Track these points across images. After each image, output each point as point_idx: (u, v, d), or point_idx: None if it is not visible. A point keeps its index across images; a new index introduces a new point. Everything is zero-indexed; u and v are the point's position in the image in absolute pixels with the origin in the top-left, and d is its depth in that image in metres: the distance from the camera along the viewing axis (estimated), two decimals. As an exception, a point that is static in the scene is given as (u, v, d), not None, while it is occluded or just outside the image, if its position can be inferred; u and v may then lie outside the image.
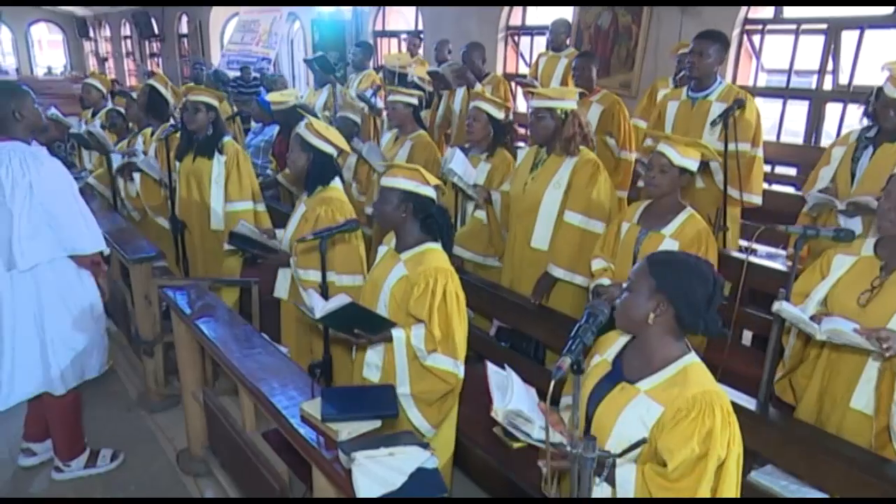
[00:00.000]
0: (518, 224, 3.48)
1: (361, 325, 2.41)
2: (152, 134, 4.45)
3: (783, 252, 3.56)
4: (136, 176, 4.32)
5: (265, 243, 3.12)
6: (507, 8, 7.95)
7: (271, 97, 4.96)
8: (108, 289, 3.15)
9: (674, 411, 1.69)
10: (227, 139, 3.97)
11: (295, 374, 2.45)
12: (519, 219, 3.47)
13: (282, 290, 3.27)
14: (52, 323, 2.91)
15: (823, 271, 2.41)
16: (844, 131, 4.10)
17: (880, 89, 2.92)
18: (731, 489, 1.71)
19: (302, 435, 2.09)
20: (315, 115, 4.44)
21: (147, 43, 16.30)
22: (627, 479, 1.71)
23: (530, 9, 7.90)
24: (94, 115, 5.50)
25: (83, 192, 4.85)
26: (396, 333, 2.41)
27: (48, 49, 21.89)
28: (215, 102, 3.89)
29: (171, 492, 3.13)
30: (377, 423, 2.09)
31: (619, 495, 1.73)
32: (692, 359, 1.79)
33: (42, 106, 3.32)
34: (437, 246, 2.51)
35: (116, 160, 4.45)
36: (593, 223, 3.26)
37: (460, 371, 2.47)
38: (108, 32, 18.57)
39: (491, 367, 1.93)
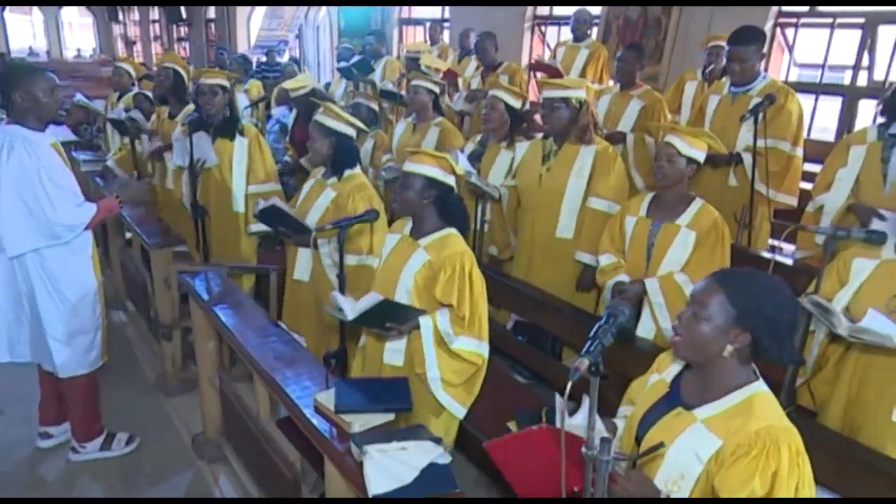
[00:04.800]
0: (535, 216, 3.47)
1: (393, 318, 2.41)
2: (171, 116, 4.45)
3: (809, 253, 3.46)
4: (170, 165, 4.31)
5: (299, 220, 3.08)
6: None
7: (288, 84, 4.95)
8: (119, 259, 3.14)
9: (734, 447, 1.52)
10: (245, 122, 3.96)
11: (309, 364, 2.44)
12: (536, 211, 3.45)
13: (303, 271, 3.26)
14: (46, 311, 2.91)
15: (842, 275, 2.33)
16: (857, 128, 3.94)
17: None
18: None
19: (315, 426, 2.08)
20: (332, 101, 4.42)
21: (175, 27, 16.41)
22: None
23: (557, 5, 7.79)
24: (119, 98, 5.53)
25: (103, 175, 4.94)
26: (423, 321, 2.42)
27: (78, 32, 22.12)
28: (228, 84, 3.88)
29: (184, 475, 3.16)
30: (391, 416, 2.08)
31: None
32: (759, 387, 1.59)
33: (69, 90, 3.33)
34: (455, 231, 2.51)
35: (146, 144, 4.47)
36: (615, 207, 3.25)
37: (486, 351, 2.50)
38: (136, 16, 18.73)
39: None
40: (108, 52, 19.41)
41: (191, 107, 4.28)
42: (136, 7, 18.33)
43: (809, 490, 1.53)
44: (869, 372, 2.27)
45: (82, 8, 20.35)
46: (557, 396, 1.74)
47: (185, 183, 3.91)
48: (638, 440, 1.72)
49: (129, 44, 19.14)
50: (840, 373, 2.37)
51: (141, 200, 3.46)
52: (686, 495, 1.59)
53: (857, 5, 5.27)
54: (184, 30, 16.19)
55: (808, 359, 2.46)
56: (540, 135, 3.56)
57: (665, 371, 1.79)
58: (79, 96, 5.56)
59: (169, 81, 4.42)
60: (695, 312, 1.57)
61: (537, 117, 3.76)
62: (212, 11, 14.85)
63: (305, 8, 11.66)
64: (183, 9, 15.56)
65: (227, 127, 3.84)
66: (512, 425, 2.82)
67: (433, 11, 9.78)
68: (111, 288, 4.70)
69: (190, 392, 3.71)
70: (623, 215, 2.99)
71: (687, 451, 1.58)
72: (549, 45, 7.98)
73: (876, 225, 2.65)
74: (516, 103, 3.72)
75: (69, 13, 20.89)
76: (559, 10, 7.78)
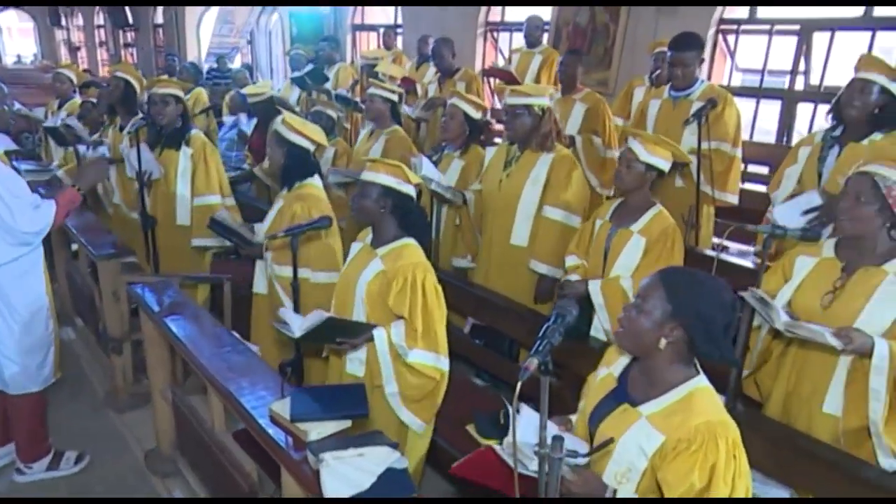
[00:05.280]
0: (494, 222, 3.49)
1: (342, 334, 2.40)
2: (121, 128, 4.35)
3: (752, 249, 3.60)
4: (113, 177, 4.21)
5: (242, 233, 3.09)
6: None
7: (247, 90, 4.89)
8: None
9: (675, 442, 1.58)
10: (194, 132, 3.90)
11: (265, 374, 2.42)
12: (495, 216, 3.47)
13: (260, 285, 3.24)
14: None
15: (787, 272, 2.43)
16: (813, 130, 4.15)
17: (848, 85, 2.95)
18: None
19: (270, 435, 2.06)
20: (292, 110, 4.38)
21: (121, 33, 15.98)
22: None
23: (509, 5, 7.89)
24: (60, 106, 5.36)
25: (51, 185, 4.78)
26: (377, 333, 2.40)
27: (18, 37, 21.35)
28: (182, 94, 3.82)
29: (138, 492, 3.08)
30: (347, 423, 2.07)
31: None
32: (699, 382, 1.65)
33: (8, 98, 3.24)
34: (413, 242, 2.50)
35: (83, 152, 4.35)
36: (573, 218, 3.29)
37: (443, 365, 2.48)
38: (80, 21, 18.16)
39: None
40: (51, 57, 18.76)
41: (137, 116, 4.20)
42: (79, 11, 17.78)
43: (745, 479, 1.59)
44: (805, 367, 2.36)
45: (22, 13, 19.63)
46: (506, 402, 1.79)
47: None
48: (591, 434, 1.77)
49: (73, 50, 18.53)
50: (781, 367, 2.46)
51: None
52: (633, 488, 1.65)
53: (795, 4, 5.49)
54: (130, 35, 15.78)
55: (753, 352, 2.56)
56: (499, 141, 3.59)
57: (613, 365, 1.85)
58: (17, 105, 5.37)
59: (119, 92, 4.30)
60: (637, 305, 1.64)
61: (497, 125, 3.81)
62: (160, 16, 14.52)
63: (257, 13, 11.52)
64: (129, 13, 15.17)
65: (174, 137, 3.77)
66: (470, 429, 2.85)
67: (387, 17, 9.80)
68: (57, 302, 4.54)
69: (142, 407, 3.62)
70: (595, 218, 3.03)
71: (633, 445, 1.65)
72: (501, 52, 8.08)
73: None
74: (476, 114, 3.74)
75: (8, 17, 20.14)
76: (511, 17, 7.89)
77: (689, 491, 1.55)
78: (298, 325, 2.34)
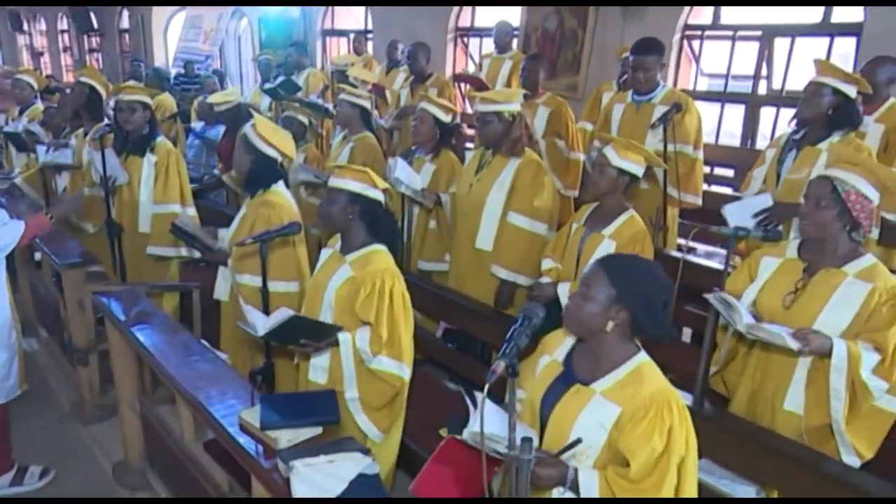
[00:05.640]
0: (463, 225, 3.51)
1: (307, 335, 2.38)
2: (85, 133, 4.28)
3: (722, 251, 3.67)
4: (64, 179, 4.14)
5: (203, 239, 3.06)
6: (456, 9, 7.97)
7: (213, 98, 4.82)
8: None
9: (632, 411, 1.68)
10: (160, 139, 3.86)
11: (234, 382, 2.39)
12: (464, 220, 3.50)
13: (222, 291, 3.19)
14: None
15: (752, 273, 2.49)
16: (777, 134, 4.26)
17: (804, 89, 3.05)
18: (692, 486, 1.73)
19: (240, 444, 2.04)
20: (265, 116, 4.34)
21: (86, 38, 15.68)
22: (591, 486, 1.70)
23: (479, 10, 7.94)
24: (21, 112, 5.25)
25: (10, 193, 4.67)
26: (342, 337, 2.40)
27: (-22, 42, 20.79)
28: (150, 101, 3.77)
29: (106, 506, 3.03)
30: (318, 430, 2.06)
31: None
32: (643, 357, 1.79)
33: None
34: (383, 248, 2.49)
35: (41, 153, 4.25)
36: (538, 225, 3.29)
37: (405, 374, 2.47)
38: (43, 26, 17.78)
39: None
40: (13, 63, 18.32)
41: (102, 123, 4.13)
42: (42, 16, 17.40)
43: (694, 439, 1.73)
44: (768, 366, 2.42)
45: (-18, 18, 19.15)
46: (469, 402, 1.85)
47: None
48: (542, 420, 1.83)
49: (36, 55, 18.13)
50: (746, 365, 2.52)
51: (73, 213, 3.35)
52: (591, 463, 1.74)
53: (757, 5, 5.61)
54: (95, 40, 15.49)
55: (721, 350, 2.61)
56: (471, 146, 3.61)
57: (555, 352, 1.91)
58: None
59: (83, 97, 4.21)
60: (582, 292, 1.74)
61: (469, 130, 3.82)
62: (125, 21, 14.29)
63: (227, 18, 11.40)
64: (94, 18, 14.90)
65: (139, 144, 3.73)
66: (444, 432, 2.85)
67: (357, 22, 9.78)
68: (20, 312, 4.44)
69: (109, 419, 3.55)
70: (571, 222, 3.05)
71: (592, 422, 1.73)
72: (472, 57, 8.13)
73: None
74: (446, 117, 3.74)
75: (-33, 23, 19.61)
76: (481, 22, 7.94)
77: (651, 454, 1.65)
78: (262, 324, 2.32)
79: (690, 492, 1.72)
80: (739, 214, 2.96)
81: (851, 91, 2.94)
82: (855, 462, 2.27)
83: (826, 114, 2.96)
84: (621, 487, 1.67)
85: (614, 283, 1.70)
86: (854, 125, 3.00)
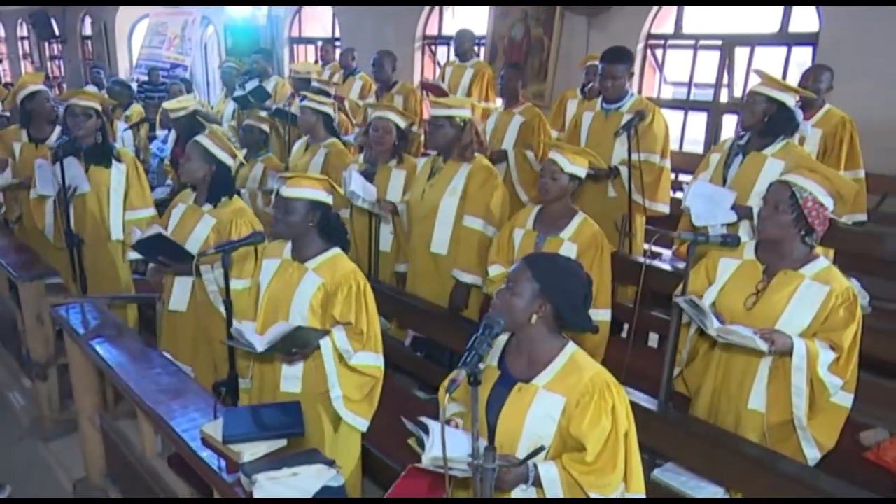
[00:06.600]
0: (417, 230, 3.54)
1: (299, 343, 2.39)
2: (30, 138, 4.16)
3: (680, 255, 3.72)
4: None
5: (183, 248, 2.95)
6: (423, 17, 8.00)
7: (168, 105, 4.76)
8: None
9: (577, 397, 1.77)
10: (119, 147, 3.83)
11: (197, 395, 2.36)
12: (418, 225, 3.53)
13: (180, 302, 3.13)
14: None
15: (710, 274, 2.54)
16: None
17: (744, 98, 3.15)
18: (636, 454, 1.83)
19: (202, 458, 2.01)
20: (218, 123, 4.30)
21: (47, 45, 15.34)
22: (552, 478, 1.77)
23: (447, 18, 7.98)
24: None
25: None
26: (322, 342, 2.42)
27: (-66, 49, 20.19)
28: (100, 108, 3.73)
29: (66, 525, 2.94)
30: (282, 443, 2.04)
31: (549, 495, 1.77)
32: (573, 347, 1.88)
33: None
34: (339, 250, 2.54)
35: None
36: (490, 228, 3.35)
37: (382, 363, 2.54)
38: (2, 32, 17.34)
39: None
40: (-30, 70, 17.83)
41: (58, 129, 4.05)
42: (0, 22, 16.98)
43: (630, 410, 1.82)
44: (730, 365, 2.48)
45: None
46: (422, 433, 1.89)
47: (48, 213, 3.68)
48: (490, 426, 1.87)
49: (-5, 62, 17.68)
50: (708, 365, 2.57)
51: None
52: (544, 456, 1.80)
53: (718, 4, 5.74)
54: (57, 47, 15.17)
55: (683, 351, 2.66)
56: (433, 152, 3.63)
57: (487, 357, 1.94)
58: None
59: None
60: (510, 288, 1.82)
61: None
62: (88, 28, 14.02)
63: (192, 26, 11.25)
64: (55, 25, 14.58)
65: (101, 154, 3.67)
66: (412, 442, 2.84)
67: (325, 30, 9.75)
68: (-24, 327, 4.31)
69: (69, 435, 3.46)
70: (512, 227, 3.08)
71: (540, 416, 1.81)
72: (439, 64, 8.16)
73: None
74: (404, 123, 3.78)
75: (-78, 28, 19.02)
76: (448, 30, 7.98)
77: (602, 433, 1.75)
78: (260, 340, 2.30)
79: (636, 458, 1.83)
80: (703, 206, 3.07)
81: (788, 99, 3.05)
82: (816, 455, 2.36)
83: (763, 120, 3.08)
84: (579, 471, 1.75)
85: (538, 279, 1.79)
86: (790, 132, 3.13)
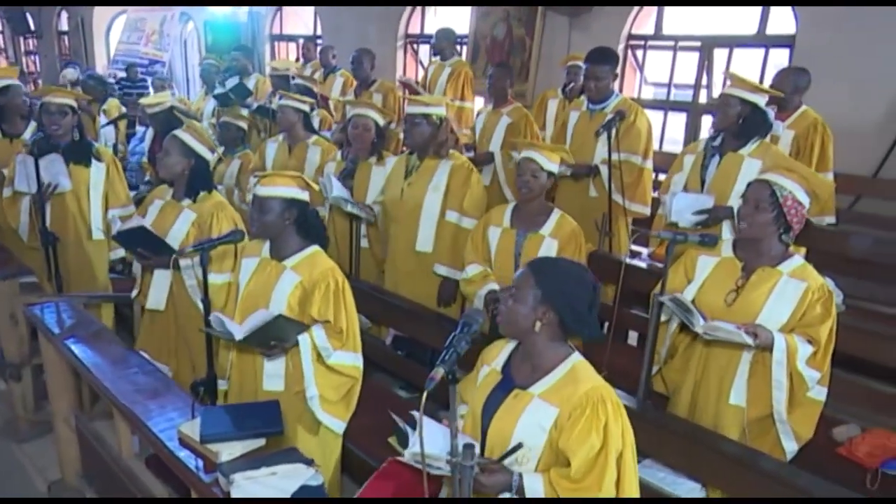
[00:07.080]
0: (398, 229, 3.54)
1: (279, 334, 2.37)
2: (3, 134, 4.08)
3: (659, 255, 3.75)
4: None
5: (164, 242, 2.92)
6: (405, 16, 7.98)
7: (145, 101, 4.71)
8: None
9: (569, 410, 1.72)
10: (97, 144, 3.77)
11: (174, 395, 2.34)
12: (398, 224, 3.53)
13: (157, 300, 3.09)
14: None
15: (689, 272, 2.58)
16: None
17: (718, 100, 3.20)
18: (633, 481, 1.77)
19: (179, 459, 1.99)
20: (196, 119, 4.26)
21: (22, 40, 15.07)
22: (536, 489, 1.73)
23: (429, 17, 7.97)
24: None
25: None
26: (301, 338, 2.40)
27: None
28: (76, 104, 3.68)
29: (40, 527, 2.90)
30: (261, 442, 2.03)
31: None
32: (577, 357, 1.83)
33: None
34: (318, 248, 2.53)
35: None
36: (466, 220, 3.38)
37: (361, 364, 2.52)
38: (-25, 27, 17.02)
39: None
40: (-57, 65, 17.46)
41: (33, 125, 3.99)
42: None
43: (630, 432, 1.76)
44: (710, 361, 2.52)
45: None
46: (406, 426, 1.87)
47: (23, 210, 3.62)
48: (484, 430, 1.84)
49: (-32, 57, 17.33)
50: (688, 361, 2.60)
51: None
52: (533, 466, 1.77)
53: (698, 4, 5.80)
54: (32, 42, 14.91)
55: (661, 349, 2.69)
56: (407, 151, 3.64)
57: (494, 361, 1.94)
58: None
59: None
60: (513, 294, 1.80)
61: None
62: (64, 23, 13.79)
63: (171, 22, 11.12)
64: (31, 20, 14.33)
65: (81, 152, 3.62)
66: (392, 441, 2.83)
67: (306, 27, 9.69)
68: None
69: (44, 436, 3.41)
70: (486, 226, 3.09)
71: (531, 425, 1.76)
72: (422, 63, 8.16)
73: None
74: (383, 121, 3.79)
75: None
76: (430, 29, 7.97)
77: (590, 451, 1.69)
78: (239, 329, 2.28)
79: (632, 484, 1.76)
80: (684, 209, 3.12)
81: (759, 100, 3.10)
82: (794, 448, 2.42)
83: (736, 122, 3.13)
84: (564, 487, 1.70)
85: (540, 285, 1.75)
86: (763, 132, 3.17)
